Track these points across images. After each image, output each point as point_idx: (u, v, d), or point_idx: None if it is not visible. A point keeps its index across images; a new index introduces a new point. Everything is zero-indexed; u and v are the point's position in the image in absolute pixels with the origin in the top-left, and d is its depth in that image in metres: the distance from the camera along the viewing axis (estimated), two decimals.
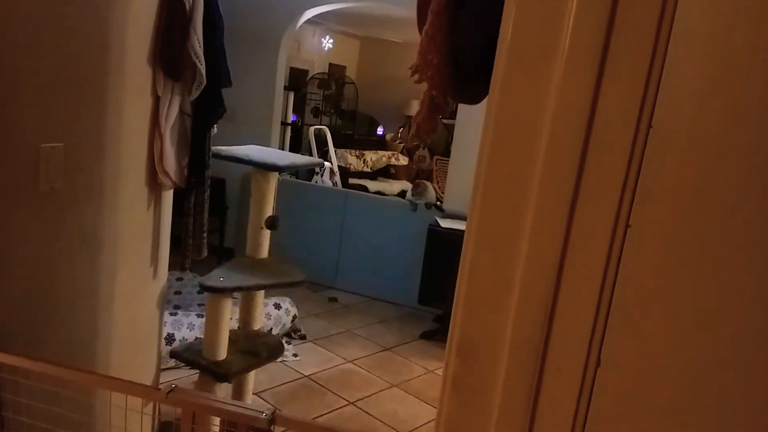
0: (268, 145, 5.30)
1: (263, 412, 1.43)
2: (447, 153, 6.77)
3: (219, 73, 2.13)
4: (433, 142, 7.99)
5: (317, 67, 8.79)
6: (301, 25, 5.61)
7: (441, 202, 4.92)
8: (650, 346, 0.58)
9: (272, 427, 1.45)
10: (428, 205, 4.72)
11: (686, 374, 0.56)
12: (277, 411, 1.43)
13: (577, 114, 0.60)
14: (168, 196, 2.25)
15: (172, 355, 2.59)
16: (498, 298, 0.68)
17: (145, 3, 1.89)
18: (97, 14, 1.71)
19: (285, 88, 6.14)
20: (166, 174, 2.06)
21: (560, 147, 0.61)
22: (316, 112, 8.67)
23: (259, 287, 2.65)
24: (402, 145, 8.86)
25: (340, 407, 3.29)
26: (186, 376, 3.30)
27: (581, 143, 0.61)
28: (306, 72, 8.54)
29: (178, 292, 4.15)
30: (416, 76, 0.80)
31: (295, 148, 7.79)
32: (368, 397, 3.44)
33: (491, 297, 0.69)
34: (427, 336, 4.31)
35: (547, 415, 0.67)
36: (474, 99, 0.87)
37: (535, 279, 0.65)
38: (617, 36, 0.59)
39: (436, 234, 4.32)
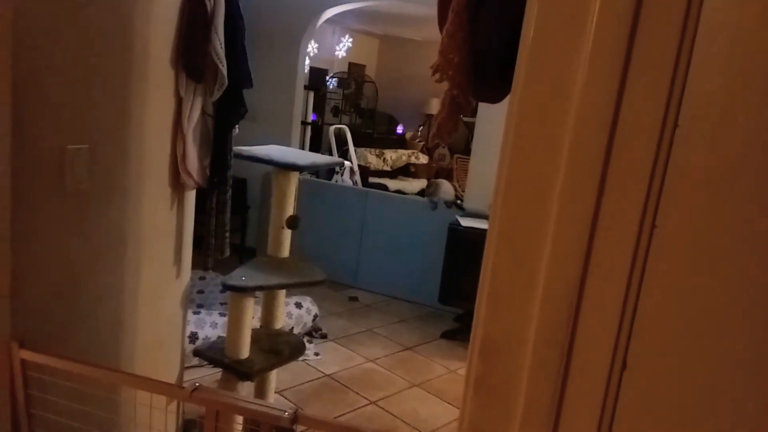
0: (288, 145, 5.33)
1: (285, 411, 1.44)
2: (467, 151, 6.74)
3: (240, 74, 2.15)
4: (453, 141, 7.96)
5: (337, 66, 8.81)
6: (320, 25, 5.63)
7: (461, 200, 4.90)
8: (677, 349, 0.57)
9: (295, 426, 1.46)
10: (448, 204, 4.71)
11: (714, 378, 0.55)
12: (299, 410, 1.44)
13: (601, 113, 0.59)
14: (191, 196, 2.27)
15: (196, 353, 2.62)
16: (521, 298, 0.68)
17: (167, 5, 1.91)
18: (120, 17, 1.73)
19: (305, 87, 6.16)
20: (189, 174, 2.08)
21: (584, 147, 0.60)
22: (336, 111, 8.69)
23: (280, 286, 2.67)
24: (422, 143, 8.84)
25: (362, 406, 3.30)
26: (209, 375, 3.33)
27: (605, 143, 0.60)
28: (326, 71, 8.56)
29: (200, 291, 4.20)
30: (437, 75, 0.79)
31: (315, 147, 7.82)
32: (389, 396, 3.44)
33: (514, 297, 0.68)
34: (447, 335, 4.30)
35: (571, 417, 0.66)
36: (495, 98, 0.86)
37: (558, 279, 0.64)
38: (642, 34, 0.58)
39: (456, 233, 4.30)
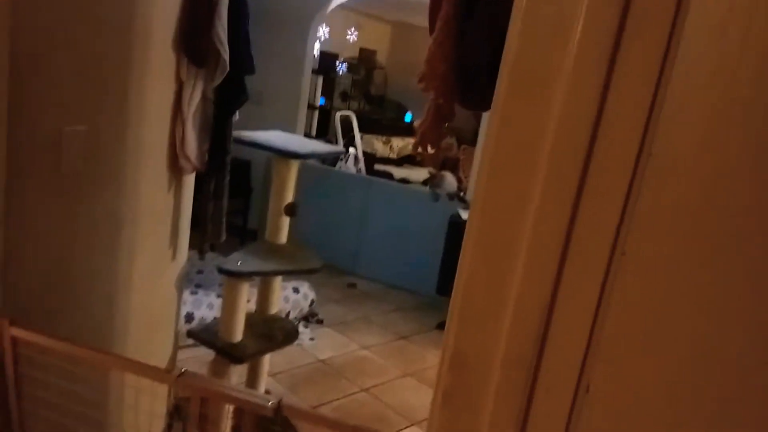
0: (294, 129, 5.32)
1: (269, 401, 1.45)
2: (475, 141, 6.70)
3: (242, 61, 2.14)
4: (460, 131, 7.92)
5: (348, 51, 8.76)
6: (332, 10, 5.59)
7: (464, 193, 4.89)
8: (640, 377, 0.57)
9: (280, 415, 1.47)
10: (451, 196, 4.70)
11: (675, 410, 0.55)
12: (282, 400, 1.45)
13: (578, 136, 0.59)
14: (189, 180, 2.28)
15: (189, 334, 2.64)
16: (492, 316, 0.68)
17: None
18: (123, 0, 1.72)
19: (314, 72, 6.14)
20: (187, 159, 2.09)
21: (560, 169, 0.60)
22: (345, 97, 8.66)
23: (276, 273, 2.68)
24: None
25: (353, 393, 3.33)
26: (204, 354, 3.35)
27: (581, 165, 0.60)
28: (336, 56, 8.52)
29: (200, 272, 4.21)
30: (423, 84, 0.79)
31: (322, 131, 7.81)
32: (382, 384, 3.46)
33: (485, 314, 0.69)
34: (443, 326, 4.30)
35: None
36: (483, 106, 0.86)
37: (529, 299, 0.64)
38: (622, 60, 0.57)
39: (457, 226, 4.30)
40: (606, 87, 0.58)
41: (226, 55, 2.02)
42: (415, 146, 0.85)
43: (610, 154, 0.59)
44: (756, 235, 0.52)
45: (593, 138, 0.59)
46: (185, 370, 1.51)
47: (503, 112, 0.65)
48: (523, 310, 0.65)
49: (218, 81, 2.07)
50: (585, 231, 0.60)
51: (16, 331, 1.53)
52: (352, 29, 8.63)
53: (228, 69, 2.04)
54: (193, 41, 1.96)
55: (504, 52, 0.66)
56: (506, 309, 0.67)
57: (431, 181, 4.74)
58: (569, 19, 0.60)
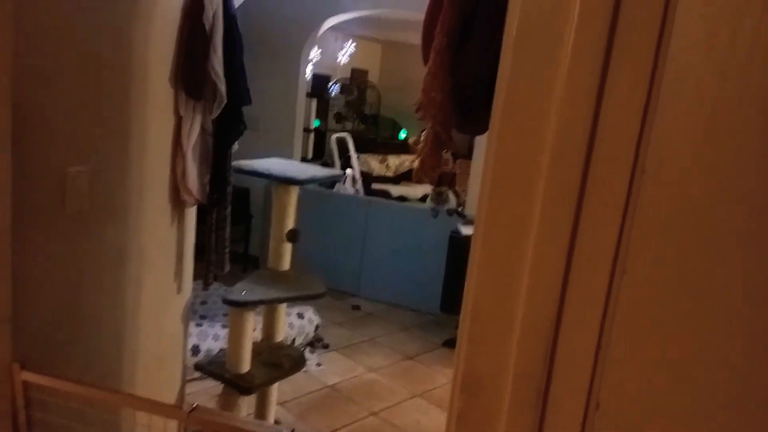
0: (290, 153, 5.35)
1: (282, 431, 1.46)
2: (470, 156, 6.74)
3: (239, 92, 2.17)
4: (455, 146, 7.96)
5: (340, 72, 8.84)
6: (323, 32, 5.66)
7: (462, 207, 4.91)
8: (648, 390, 0.58)
9: None
10: (450, 212, 4.72)
11: (684, 422, 0.57)
12: (295, 430, 1.46)
13: (573, 158, 0.61)
14: (191, 212, 2.30)
15: (197, 368, 2.64)
16: (500, 335, 0.69)
17: (165, 25, 1.94)
18: (119, 38, 1.75)
19: (308, 94, 6.19)
20: (189, 192, 2.11)
21: (557, 191, 0.62)
22: (339, 118, 8.72)
23: (280, 300, 2.69)
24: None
25: (363, 418, 3.31)
26: (212, 387, 3.35)
27: (578, 186, 0.61)
28: (328, 78, 8.59)
29: (204, 302, 4.22)
30: (420, 113, 0.81)
31: (319, 153, 7.85)
32: (391, 407, 3.45)
33: (494, 334, 0.70)
34: (449, 344, 4.31)
35: None
36: (480, 131, 0.88)
37: (535, 318, 0.66)
38: (612, 80, 0.59)
39: (457, 241, 4.31)
40: (597, 109, 0.60)
41: (223, 87, 2.05)
42: (416, 174, 0.87)
43: (605, 173, 0.60)
44: (749, 248, 0.53)
45: (588, 159, 0.61)
46: (197, 405, 1.51)
47: (500, 139, 0.67)
48: (529, 330, 0.67)
49: (216, 113, 2.10)
50: (585, 251, 0.62)
51: (28, 375, 1.54)
52: (346, 46, 8.71)
53: (225, 101, 2.07)
54: (190, 75, 1.99)
55: (497, 79, 0.68)
56: (514, 329, 0.68)
57: (438, 198, 4.75)
58: (559, 45, 0.63)
